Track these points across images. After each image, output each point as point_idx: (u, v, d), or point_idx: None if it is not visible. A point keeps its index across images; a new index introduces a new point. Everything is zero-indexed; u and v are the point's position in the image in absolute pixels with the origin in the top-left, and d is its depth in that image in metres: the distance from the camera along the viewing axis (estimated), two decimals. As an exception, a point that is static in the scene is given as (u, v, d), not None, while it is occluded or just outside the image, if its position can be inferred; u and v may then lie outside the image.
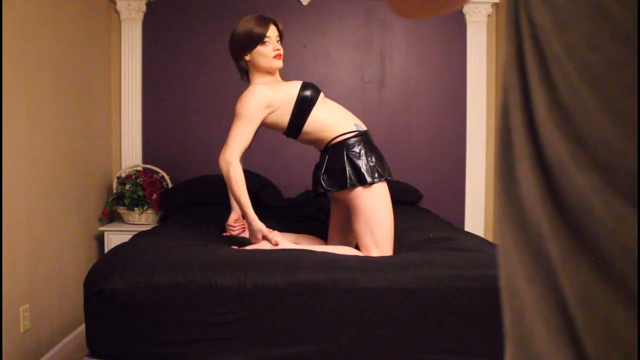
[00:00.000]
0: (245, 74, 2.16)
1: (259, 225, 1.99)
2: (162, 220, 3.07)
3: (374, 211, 1.99)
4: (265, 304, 1.60)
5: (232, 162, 1.98)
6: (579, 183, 0.29)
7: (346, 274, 1.64)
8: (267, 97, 2.04)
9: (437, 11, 0.49)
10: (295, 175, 3.21)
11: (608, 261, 0.27)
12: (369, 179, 1.98)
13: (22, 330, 2.21)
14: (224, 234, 2.35)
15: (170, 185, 3.17)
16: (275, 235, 1.99)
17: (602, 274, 0.28)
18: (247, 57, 2.10)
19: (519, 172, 0.33)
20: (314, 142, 2.14)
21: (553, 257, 0.30)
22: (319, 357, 1.59)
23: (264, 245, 1.98)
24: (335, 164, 2.03)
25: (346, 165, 2.00)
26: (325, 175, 2.06)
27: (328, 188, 2.05)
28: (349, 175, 1.99)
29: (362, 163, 2.00)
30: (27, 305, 2.26)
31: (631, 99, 0.25)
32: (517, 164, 0.33)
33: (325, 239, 2.28)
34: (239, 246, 2.04)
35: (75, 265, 2.73)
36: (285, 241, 2.01)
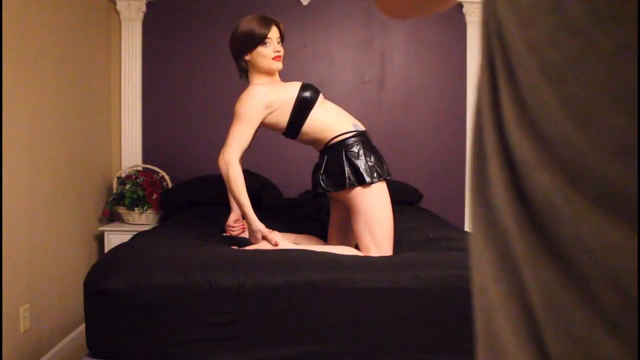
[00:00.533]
0: (244, 73, 2.16)
1: (258, 225, 1.99)
2: (162, 220, 3.07)
3: (374, 211, 1.99)
4: (265, 304, 1.60)
5: (231, 162, 1.98)
6: (542, 182, 0.28)
7: (346, 274, 1.64)
8: (267, 98, 2.04)
9: (429, 10, 0.48)
10: (295, 175, 3.21)
11: (570, 260, 0.27)
12: (367, 179, 1.98)
13: (22, 330, 2.21)
14: (224, 234, 2.35)
15: (170, 185, 3.17)
16: (275, 236, 1.99)
17: (565, 273, 0.27)
18: (247, 57, 2.10)
19: (489, 172, 0.33)
20: (313, 142, 2.14)
21: (518, 256, 0.30)
22: (319, 357, 1.59)
23: (263, 246, 1.98)
24: (335, 164, 2.03)
25: (345, 165, 2.00)
26: (324, 176, 2.06)
27: (327, 188, 2.05)
28: (348, 175, 1.99)
29: (361, 163, 2.00)
30: (27, 305, 2.26)
31: (589, 96, 0.25)
32: (488, 163, 0.33)
33: (325, 239, 2.28)
34: (239, 246, 2.04)
35: (75, 265, 2.73)
36: (285, 241, 2.01)
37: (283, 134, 2.16)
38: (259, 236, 1.99)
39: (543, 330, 0.29)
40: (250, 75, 2.14)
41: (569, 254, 0.27)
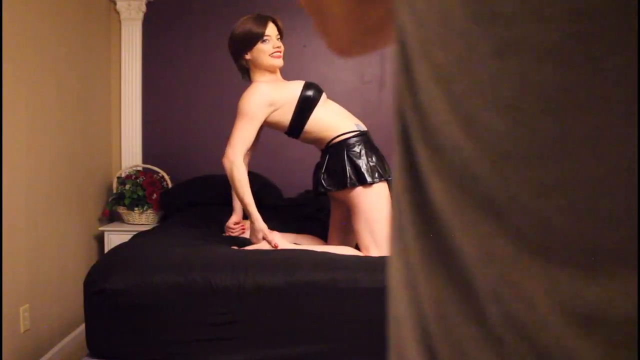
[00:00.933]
0: (246, 73, 2.16)
1: (261, 225, 1.99)
2: (162, 220, 3.07)
3: (374, 211, 1.99)
4: (265, 304, 1.60)
5: (235, 161, 1.98)
6: (435, 189, 0.28)
7: (346, 274, 1.64)
8: (270, 95, 2.04)
9: (375, 47, 0.47)
10: (295, 175, 3.20)
11: (458, 271, 0.27)
12: (369, 179, 1.98)
13: (22, 330, 2.21)
14: (224, 234, 2.35)
15: (170, 185, 3.17)
16: (275, 237, 1.99)
17: (453, 284, 0.27)
18: (248, 56, 2.10)
19: (395, 179, 0.33)
20: (315, 141, 2.14)
21: (415, 266, 0.30)
22: (319, 357, 1.59)
23: (263, 246, 1.98)
24: (336, 164, 2.03)
25: (346, 164, 2.00)
26: (325, 175, 2.06)
27: (328, 188, 2.05)
28: (349, 175, 1.99)
29: (363, 163, 2.00)
30: (27, 305, 2.26)
31: (473, 100, 0.25)
32: (395, 172, 0.33)
33: (325, 239, 2.28)
34: (239, 246, 2.04)
35: (75, 265, 2.73)
36: (284, 242, 2.01)
37: (285, 132, 2.16)
38: (260, 236, 1.99)
39: (435, 341, 0.28)
40: (252, 74, 2.14)
41: (457, 265, 0.27)
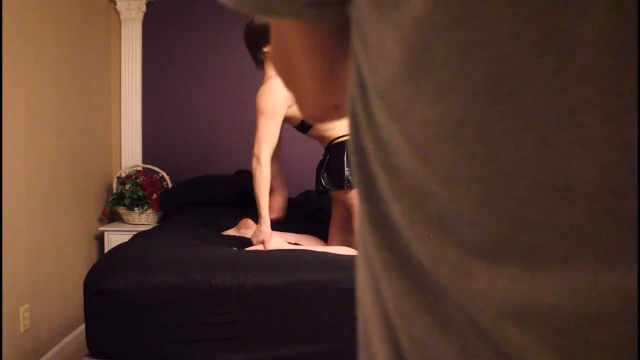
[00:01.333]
0: (261, 65, 2.14)
1: (268, 229, 1.99)
2: (162, 220, 3.07)
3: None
4: (265, 304, 1.60)
5: (260, 160, 2.00)
6: (394, 209, 0.32)
7: (346, 274, 1.64)
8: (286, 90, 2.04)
9: (331, 118, 0.50)
10: (295, 175, 3.20)
11: (414, 276, 0.32)
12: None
13: (22, 330, 2.21)
14: (223, 233, 2.35)
15: (170, 185, 3.17)
16: (273, 241, 2.00)
17: (411, 285, 0.32)
18: (266, 49, 2.07)
19: (360, 203, 0.38)
20: (321, 138, 2.16)
21: (378, 273, 0.35)
22: (318, 357, 1.59)
23: (261, 247, 1.99)
24: (336, 163, 2.04)
25: (345, 165, 2.01)
26: (325, 174, 2.07)
27: (327, 187, 2.06)
28: (347, 177, 2.00)
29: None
30: (27, 305, 2.26)
31: (422, 133, 0.29)
32: (356, 186, 0.38)
33: (325, 239, 2.28)
34: (238, 247, 2.04)
35: (75, 265, 2.73)
36: (283, 242, 2.02)
37: (296, 127, 2.16)
38: (260, 238, 1.99)
39: (397, 334, 0.33)
40: (268, 67, 2.12)
41: (414, 271, 0.32)
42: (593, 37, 0.24)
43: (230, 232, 2.36)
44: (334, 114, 0.49)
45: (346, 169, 2.01)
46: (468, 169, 0.28)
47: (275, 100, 2.00)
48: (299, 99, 0.49)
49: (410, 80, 0.29)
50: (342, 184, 2.00)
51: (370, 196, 0.35)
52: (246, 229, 2.32)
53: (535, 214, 0.26)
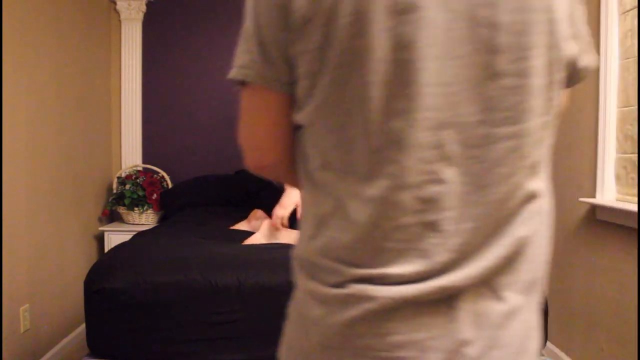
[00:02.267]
0: None
1: (293, 197, 2.05)
2: (162, 220, 3.07)
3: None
4: (265, 303, 1.60)
5: None
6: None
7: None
8: None
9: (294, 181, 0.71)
10: (295, 175, 3.21)
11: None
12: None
13: (22, 330, 2.21)
14: (232, 227, 2.36)
15: (170, 185, 3.17)
16: (283, 238, 2.03)
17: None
18: None
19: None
20: None
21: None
22: (319, 356, 1.59)
23: (259, 240, 2.00)
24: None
25: None
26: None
27: None
28: None
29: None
30: (27, 305, 2.26)
31: (337, 164, 0.59)
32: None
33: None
34: (238, 240, 2.05)
35: (75, 265, 2.73)
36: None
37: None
38: (286, 203, 2.06)
39: None
40: None
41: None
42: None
43: (240, 225, 2.36)
44: (272, 170, 0.68)
45: None
46: (352, 170, 0.60)
47: None
48: (249, 150, 0.67)
49: (334, 130, 0.57)
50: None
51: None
52: (256, 220, 2.32)
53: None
